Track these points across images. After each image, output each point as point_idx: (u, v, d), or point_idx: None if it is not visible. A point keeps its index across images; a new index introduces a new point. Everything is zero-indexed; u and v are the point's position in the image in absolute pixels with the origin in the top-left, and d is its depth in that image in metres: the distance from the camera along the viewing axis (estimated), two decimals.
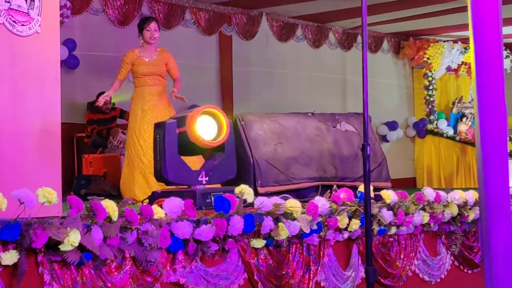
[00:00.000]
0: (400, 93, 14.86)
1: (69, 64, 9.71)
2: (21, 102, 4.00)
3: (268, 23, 12.49)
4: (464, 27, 12.57)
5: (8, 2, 3.87)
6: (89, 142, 9.74)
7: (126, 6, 10.61)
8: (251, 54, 12.34)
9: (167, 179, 5.25)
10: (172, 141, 5.25)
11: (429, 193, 5.75)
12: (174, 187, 5.40)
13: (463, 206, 5.96)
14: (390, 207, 5.34)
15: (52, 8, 4.26)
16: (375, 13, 11.45)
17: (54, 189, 3.52)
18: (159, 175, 5.29)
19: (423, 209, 5.63)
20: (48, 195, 3.43)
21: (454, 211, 5.85)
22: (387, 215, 5.26)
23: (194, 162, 5.99)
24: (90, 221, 3.61)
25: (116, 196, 8.43)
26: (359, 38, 13.72)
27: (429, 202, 5.71)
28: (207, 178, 5.31)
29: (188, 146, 5.33)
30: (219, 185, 5.70)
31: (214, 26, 11.74)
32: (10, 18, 3.88)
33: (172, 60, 7.42)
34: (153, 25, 7.36)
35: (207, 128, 5.38)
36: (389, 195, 5.38)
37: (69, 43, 9.70)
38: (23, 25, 3.98)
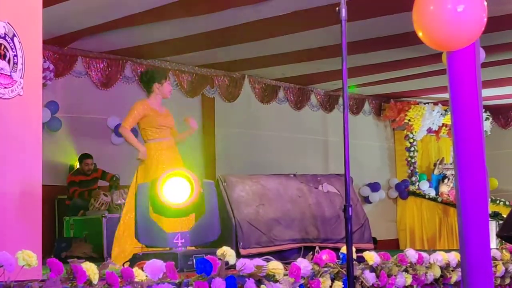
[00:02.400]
0: (382, 154, 14.95)
1: (51, 126, 9.73)
2: (1, 165, 3.99)
3: (251, 85, 12.61)
4: (444, 89, 12.63)
5: None
6: (70, 204, 9.69)
7: (109, 69, 10.72)
8: (234, 116, 12.42)
9: (139, 240, 5.27)
10: (144, 203, 5.27)
11: (411, 254, 5.72)
12: (155, 249, 5.37)
13: (445, 267, 5.94)
14: (372, 269, 5.30)
15: (35, 70, 4.29)
16: (355, 75, 11.60)
17: (34, 252, 3.48)
18: (136, 237, 5.32)
19: (406, 270, 5.60)
20: (28, 258, 3.39)
21: (437, 272, 5.82)
22: (369, 277, 5.22)
23: (173, 224, 5.96)
24: (70, 284, 3.56)
25: (98, 258, 8.36)
26: (340, 100, 13.85)
27: (412, 264, 5.68)
28: (183, 241, 5.28)
29: (162, 208, 5.35)
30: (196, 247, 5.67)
31: (197, 88, 11.84)
32: None
33: None
34: (169, 80, 7.27)
35: (179, 190, 5.39)
36: (372, 257, 5.35)
37: (51, 105, 9.74)
38: (5, 87, 4.00)
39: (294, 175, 7.83)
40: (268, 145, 12.79)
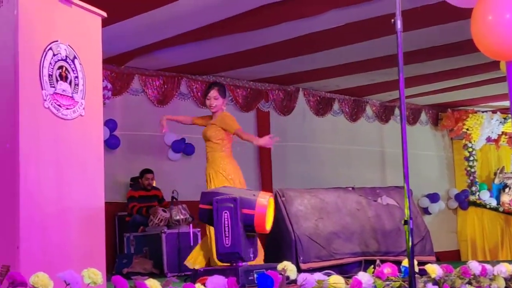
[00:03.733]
0: (440, 164, 14.77)
1: (110, 144, 9.88)
2: (65, 185, 4.06)
3: (305, 98, 12.61)
4: (503, 97, 12.58)
5: (53, 87, 3.98)
6: (130, 221, 9.80)
7: (165, 86, 10.85)
8: (289, 129, 12.43)
9: (240, 255, 5.12)
10: (241, 219, 5.20)
11: (474, 266, 5.64)
12: (216, 265, 5.39)
13: (510, 279, 5.84)
14: (435, 282, 5.25)
15: (95, 91, 4.36)
16: (412, 85, 11.52)
17: (99, 269, 3.53)
18: (229, 252, 5.17)
19: (469, 283, 5.52)
20: (94, 276, 3.45)
21: (501, 284, 5.72)
22: None
23: None
24: None
25: (158, 274, 8.43)
26: (396, 111, 13.76)
27: (475, 276, 5.60)
28: (252, 255, 5.29)
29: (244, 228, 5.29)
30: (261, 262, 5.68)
31: (252, 103, 11.89)
32: (55, 102, 3.98)
33: None
34: (212, 92, 7.30)
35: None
36: (434, 270, 5.29)
37: (110, 124, 9.89)
38: (67, 108, 4.07)
39: (353, 188, 7.78)
40: (324, 158, 12.76)
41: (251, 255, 5.29)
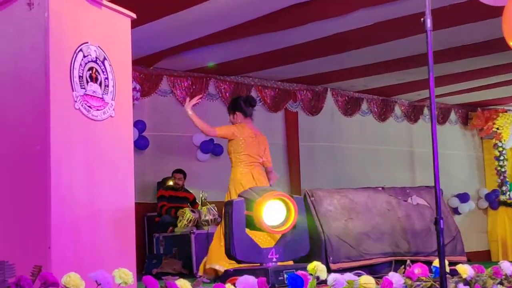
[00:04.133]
0: (470, 164, 14.66)
1: (139, 145, 9.93)
2: (96, 185, 4.09)
3: (333, 98, 12.58)
4: None
5: (84, 88, 4.00)
6: (160, 221, 9.84)
7: (194, 86, 10.88)
8: (317, 129, 12.41)
9: (236, 257, 5.27)
10: (240, 220, 5.28)
11: (506, 266, 5.58)
12: (246, 265, 5.39)
13: None
14: (466, 282, 5.20)
15: (125, 92, 4.38)
16: (441, 84, 11.44)
17: (129, 269, 3.55)
18: (228, 253, 5.32)
19: (501, 283, 5.46)
20: (125, 276, 3.47)
21: None
22: None
23: (265, 238, 5.99)
24: None
25: (187, 274, 8.46)
26: (425, 111, 13.68)
27: (507, 276, 5.54)
28: (277, 256, 5.29)
29: (255, 226, 5.35)
30: (291, 262, 5.67)
31: (280, 103, 11.88)
32: (86, 104, 4.01)
33: None
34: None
35: (275, 213, 5.40)
36: (465, 270, 5.24)
37: (139, 124, 9.94)
38: (98, 109, 4.10)
39: (383, 188, 7.74)
40: (352, 158, 12.72)
41: (273, 257, 5.30)
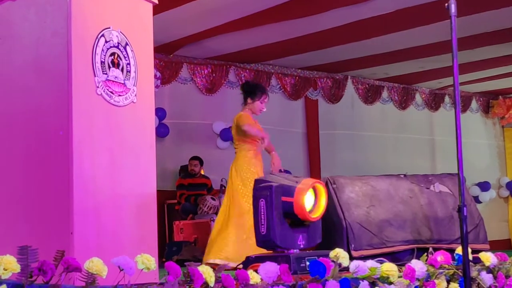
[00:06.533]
0: (491, 152, 14.56)
1: (159, 132, 9.94)
2: (118, 171, 4.09)
3: (354, 86, 12.53)
4: None
5: (106, 74, 3.99)
6: (180, 209, 9.86)
7: (214, 74, 10.87)
8: (337, 117, 12.38)
9: (276, 244, 5.19)
10: (278, 206, 5.23)
11: None
12: (267, 252, 5.38)
13: None
14: (489, 270, 5.16)
15: (147, 78, 4.38)
16: (463, 72, 11.32)
17: (151, 255, 3.55)
18: (266, 240, 5.23)
19: None
20: (147, 262, 3.46)
21: None
22: (487, 278, 5.07)
23: None
24: (188, 287, 3.61)
25: None
26: (446, 99, 13.60)
27: None
28: (304, 242, 5.27)
29: (285, 215, 5.30)
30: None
31: (300, 91, 11.84)
32: (108, 89, 4.00)
33: None
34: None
35: (308, 201, 5.38)
36: (488, 258, 5.20)
37: (159, 112, 9.95)
38: (119, 95, 4.09)
39: (405, 175, 7.68)
40: (373, 146, 12.68)
41: (300, 243, 5.27)
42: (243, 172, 7.05)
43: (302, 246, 5.26)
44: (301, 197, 5.26)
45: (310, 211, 5.37)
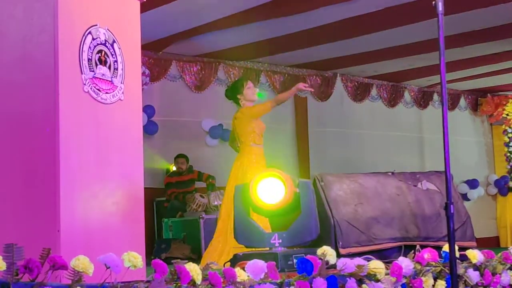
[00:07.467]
0: (480, 150, 14.60)
1: (147, 130, 9.91)
2: (105, 168, 4.09)
3: (343, 84, 12.54)
4: None
5: (93, 71, 3.99)
6: (168, 206, 9.85)
7: (203, 72, 10.86)
8: (326, 115, 12.38)
9: (237, 240, 5.37)
10: (241, 204, 5.33)
11: None
12: (255, 249, 5.39)
13: None
14: (476, 267, 5.19)
15: (134, 75, 4.37)
16: (451, 70, 11.37)
17: (138, 253, 3.55)
18: (234, 236, 5.45)
19: (510, 268, 5.45)
20: (134, 259, 3.45)
21: None
22: (473, 276, 5.10)
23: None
24: (175, 284, 3.61)
25: (196, 259, 8.46)
26: (435, 96, 13.63)
27: None
28: (280, 241, 5.27)
29: (257, 208, 5.40)
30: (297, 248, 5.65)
31: (289, 88, 11.80)
32: (95, 87, 4.00)
33: None
34: (250, 83, 7.34)
35: (273, 190, 5.39)
36: (475, 255, 5.23)
37: (147, 109, 9.93)
38: (107, 92, 4.09)
39: (392, 173, 7.71)
40: (362, 144, 12.70)
41: (275, 242, 5.29)
42: (248, 171, 7.05)
43: (277, 244, 5.25)
44: (253, 187, 5.34)
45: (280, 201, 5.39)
